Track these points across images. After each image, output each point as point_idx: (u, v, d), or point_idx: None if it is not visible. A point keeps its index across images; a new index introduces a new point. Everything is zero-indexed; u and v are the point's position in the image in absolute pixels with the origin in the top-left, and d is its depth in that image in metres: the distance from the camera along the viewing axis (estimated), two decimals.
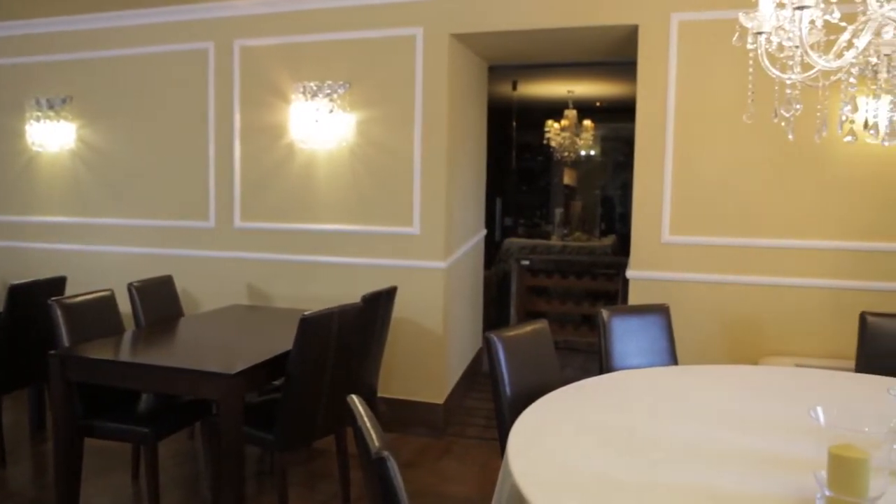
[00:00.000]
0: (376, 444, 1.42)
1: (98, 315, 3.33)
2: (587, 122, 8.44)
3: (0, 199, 5.15)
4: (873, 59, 1.84)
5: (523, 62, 5.73)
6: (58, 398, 2.95)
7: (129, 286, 3.69)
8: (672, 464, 1.72)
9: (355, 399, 1.65)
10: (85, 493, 3.11)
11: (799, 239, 3.60)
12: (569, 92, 7.89)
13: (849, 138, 1.96)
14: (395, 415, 4.17)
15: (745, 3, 1.89)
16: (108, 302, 3.43)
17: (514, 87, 7.79)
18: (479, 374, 5.16)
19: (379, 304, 3.46)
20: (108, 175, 4.85)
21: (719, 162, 3.69)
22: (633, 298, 3.83)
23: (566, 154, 8.56)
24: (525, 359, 2.45)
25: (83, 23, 4.77)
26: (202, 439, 3.77)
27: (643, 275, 3.84)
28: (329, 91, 4.20)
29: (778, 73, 1.92)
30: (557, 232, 8.99)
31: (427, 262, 4.15)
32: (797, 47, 1.82)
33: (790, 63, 1.93)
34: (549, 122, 8.34)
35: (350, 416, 1.60)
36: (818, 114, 2.02)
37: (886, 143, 1.96)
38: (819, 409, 1.56)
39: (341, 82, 4.20)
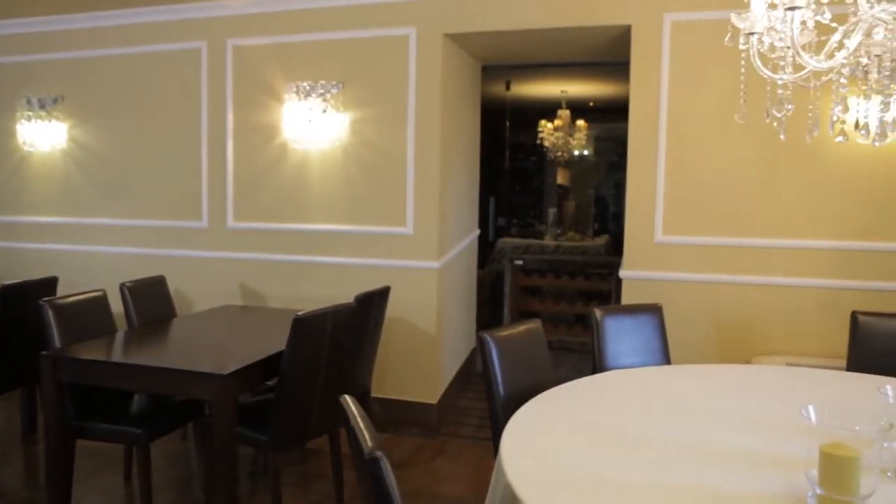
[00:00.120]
0: (369, 444, 1.42)
1: (90, 316, 3.32)
2: (580, 122, 8.45)
3: None
4: (864, 60, 1.85)
5: (517, 62, 5.73)
6: (49, 399, 2.93)
7: (122, 286, 3.68)
8: (665, 463, 1.72)
9: (348, 399, 1.65)
10: (77, 495, 3.10)
11: (791, 239, 3.62)
12: (562, 92, 7.91)
13: (840, 138, 1.96)
14: (389, 415, 4.17)
15: (737, 4, 1.90)
16: (100, 302, 3.42)
17: (508, 87, 7.80)
18: (473, 373, 5.16)
19: (372, 304, 3.46)
20: (100, 175, 4.83)
21: (712, 162, 3.70)
22: (627, 298, 3.84)
23: (559, 154, 8.57)
24: (518, 359, 2.46)
25: (75, 22, 4.75)
26: (195, 440, 3.76)
27: (636, 274, 3.85)
28: (322, 91, 4.19)
29: (770, 73, 1.93)
30: (551, 232, 9.01)
31: (420, 262, 4.15)
32: (789, 48, 1.82)
33: (782, 63, 1.94)
34: (543, 122, 8.35)
35: (343, 416, 1.60)
36: (809, 114, 2.03)
37: (877, 144, 1.97)
38: (811, 408, 1.56)
39: (334, 82, 4.20)
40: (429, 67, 4.07)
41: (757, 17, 1.81)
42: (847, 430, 1.47)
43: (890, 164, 3.47)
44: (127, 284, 3.70)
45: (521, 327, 2.61)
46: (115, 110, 4.75)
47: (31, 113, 4.87)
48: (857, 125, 2.03)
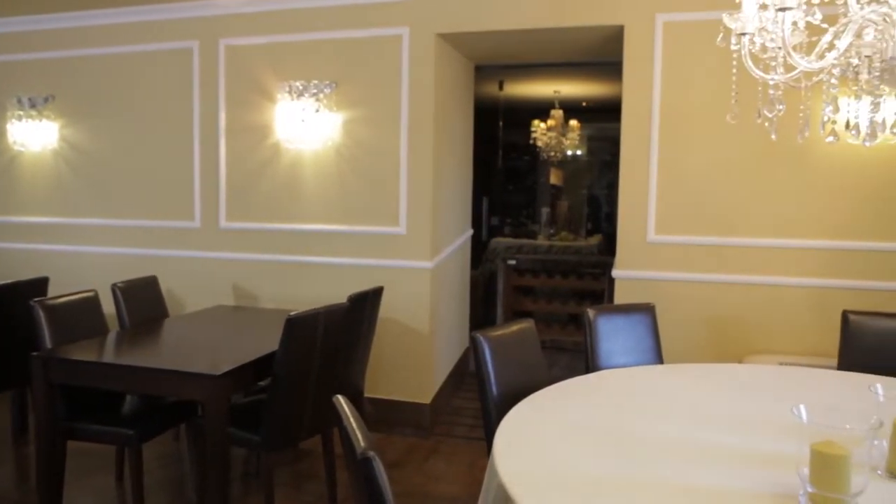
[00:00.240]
0: (362, 444, 1.42)
1: (81, 316, 3.30)
2: (573, 122, 8.47)
3: None
4: (854, 61, 1.87)
5: (510, 62, 5.74)
6: (40, 400, 2.92)
7: (113, 287, 3.66)
8: (657, 462, 1.73)
9: (341, 399, 1.65)
10: (68, 496, 3.08)
11: (782, 238, 3.64)
12: (555, 92, 7.92)
13: (830, 139, 1.97)
14: (382, 415, 4.16)
15: (728, 5, 1.91)
16: (92, 303, 3.40)
17: (501, 87, 7.81)
18: (466, 373, 5.16)
19: (365, 304, 3.45)
20: (91, 175, 4.81)
21: (704, 161, 3.72)
22: (619, 297, 3.85)
23: (552, 154, 8.58)
24: (511, 358, 2.46)
25: (66, 21, 4.73)
26: (187, 441, 3.74)
27: (629, 274, 3.86)
28: (315, 91, 4.18)
29: (761, 73, 1.93)
30: (544, 231, 9.02)
31: (413, 261, 4.15)
32: (780, 48, 1.83)
33: (773, 64, 1.95)
34: (536, 121, 8.36)
35: (336, 416, 1.60)
36: (800, 114, 2.04)
37: (867, 144, 1.98)
38: (802, 407, 1.57)
39: (327, 82, 4.19)
40: (422, 67, 4.07)
41: (748, 17, 1.81)
42: (838, 428, 1.47)
43: (880, 164, 3.49)
44: (119, 285, 3.68)
45: (515, 327, 2.61)
46: (107, 110, 4.73)
47: (21, 112, 4.84)
48: (847, 125, 2.04)
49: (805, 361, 3.28)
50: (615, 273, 3.91)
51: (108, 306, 3.55)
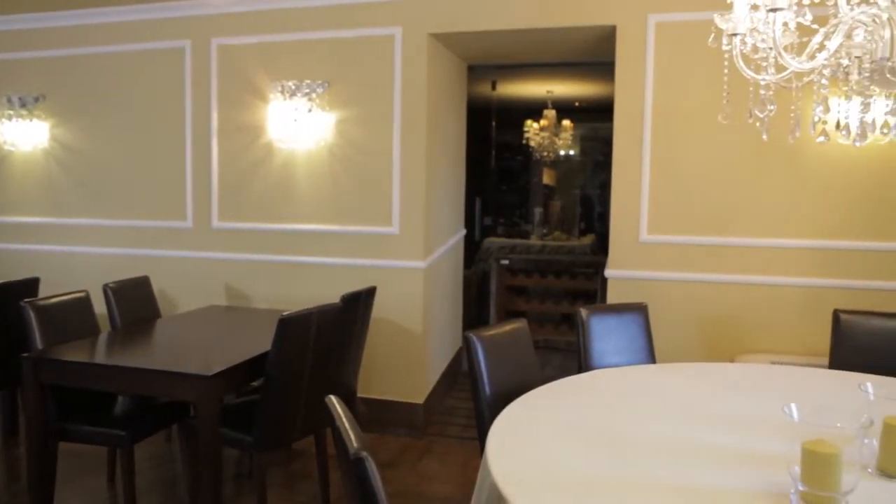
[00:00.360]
0: (355, 444, 1.41)
1: (72, 317, 3.28)
2: (566, 122, 8.48)
3: None
4: (844, 61, 1.88)
5: (503, 62, 5.74)
6: (31, 401, 2.90)
7: (105, 287, 3.64)
8: (650, 461, 1.73)
9: (334, 399, 1.64)
10: (59, 498, 3.07)
11: (774, 238, 3.65)
12: (548, 92, 7.93)
13: (821, 139, 1.98)
14: (375, 415, 4.16)
15: (720, 5, 1.91)
16: (83, 303, 3.38)
17: (494, 87, 7.81)
18: (460, 373, 5.17)
19: (358, 304, 3.45)
20: (82, 175, 4.78)
21: (696, 161, 3.73)
22: (612, 297, 3.86)
23: (545, 154, 8.60)
24: (504, 358, 2.46)
25: (57, 20, 4.70)
26: (179, 442, 3.73)
27: (621, 274, 3.87)
28: (308, 90, 4.18)
29: (752, 74, 1.94)
30: (537, 231, 9.03)
31: (406, 261, 4.15)
32: (771, 49, 1.84)
33: (764, 64, 1.95)
34: (529, 121, 8.38)
35: (329, 416, 1.60)
36: (791, 114, 2.04)
37: (858, 144, 1.99)
38: (793, 406, 1.58)
39: (320, 81, 4.18)
40: (414, 67, 4.07)
41: (739, 18, 1.82)
42: (829, 427, 1.48)
43: (870, 164, 3.51)
44: (110, 285, 3.66)
45: (507, 327, 2.61)
46: (98, 109, 4.71)
47: (11, 112, 4.81)
48: (838, 126, 2.05)
49: (796, 361, 3.30)
50: (608, 273, 3.92)
51: (99, 307, 3.53)
